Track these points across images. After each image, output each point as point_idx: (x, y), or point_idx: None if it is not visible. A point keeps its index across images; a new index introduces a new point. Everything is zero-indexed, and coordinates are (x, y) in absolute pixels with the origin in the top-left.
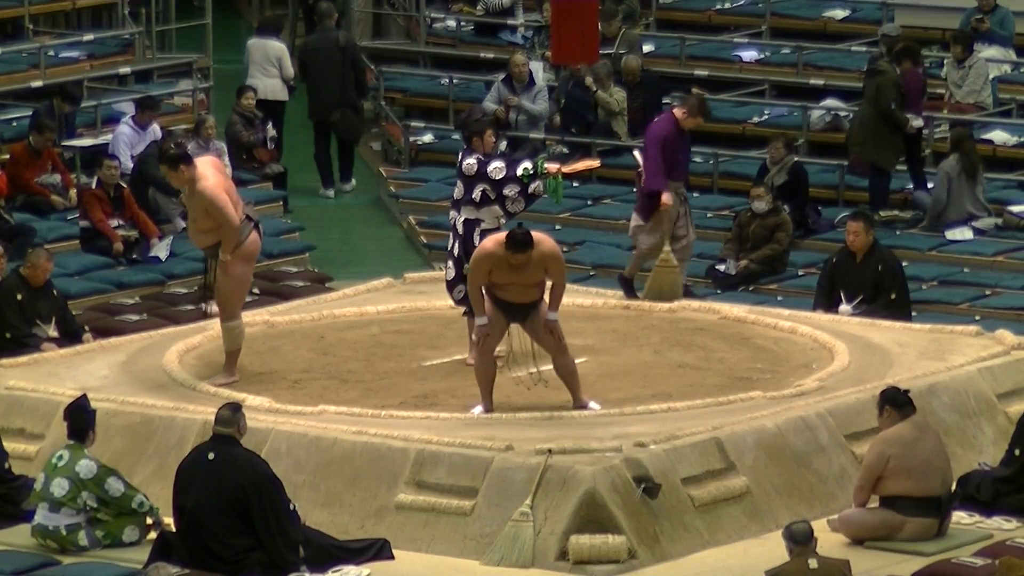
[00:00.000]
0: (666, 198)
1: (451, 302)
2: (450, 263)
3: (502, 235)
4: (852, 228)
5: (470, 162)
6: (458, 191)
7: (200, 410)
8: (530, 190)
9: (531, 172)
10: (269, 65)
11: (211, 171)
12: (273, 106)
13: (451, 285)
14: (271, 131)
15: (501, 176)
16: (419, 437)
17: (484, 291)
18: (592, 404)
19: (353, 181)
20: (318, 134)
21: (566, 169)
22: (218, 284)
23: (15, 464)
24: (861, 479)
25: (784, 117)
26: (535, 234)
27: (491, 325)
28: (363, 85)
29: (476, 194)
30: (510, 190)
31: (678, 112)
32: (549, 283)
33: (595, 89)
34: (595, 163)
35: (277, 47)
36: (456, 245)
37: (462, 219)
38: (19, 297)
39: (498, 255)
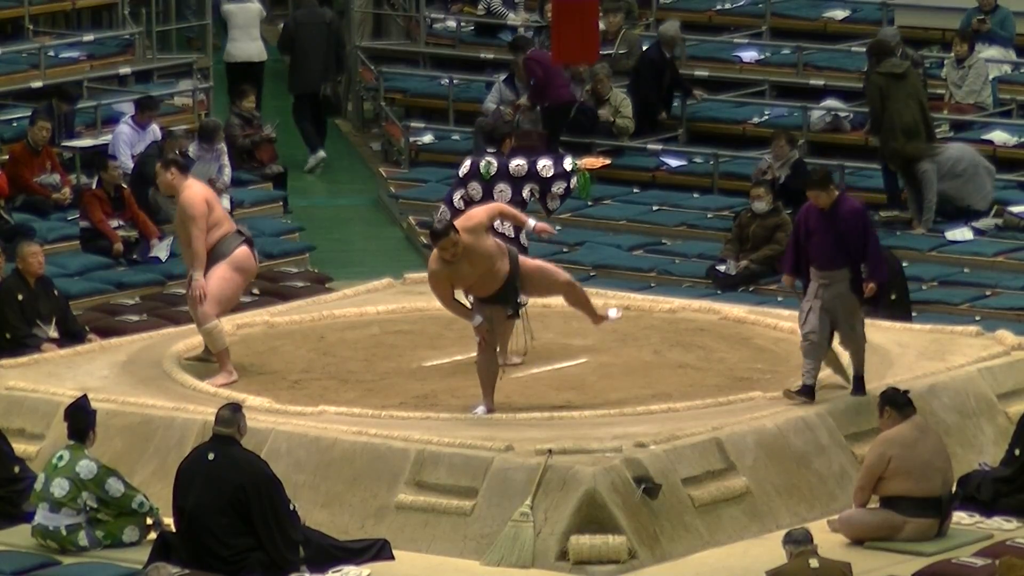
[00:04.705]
0: (784, 279)
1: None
2: None
3: (435, 251)
4: None
5: (520, 163)
6: (500, 193)
7: (200, 410)
8: (570, 185)
9: (575, 167)
10: (251, 27)
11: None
12: (254, 68)
13: None
14: (272, 130)
15: (551, 174)
16: (419, 437)
17: (468, 300)
18: (611, 312)
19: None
20: (301, 105)
21: (584, 165)
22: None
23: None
24: (861, 479)
25: (784, 117)
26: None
27: (489, 320)
28: (341, 60)
29: (525, 193)
30: (557, 187)
31: None
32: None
33: (611, 120)
34: (606, 161)
35: (255, 8)
36: None
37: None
38: (20, 297)
39: (444, 268)
